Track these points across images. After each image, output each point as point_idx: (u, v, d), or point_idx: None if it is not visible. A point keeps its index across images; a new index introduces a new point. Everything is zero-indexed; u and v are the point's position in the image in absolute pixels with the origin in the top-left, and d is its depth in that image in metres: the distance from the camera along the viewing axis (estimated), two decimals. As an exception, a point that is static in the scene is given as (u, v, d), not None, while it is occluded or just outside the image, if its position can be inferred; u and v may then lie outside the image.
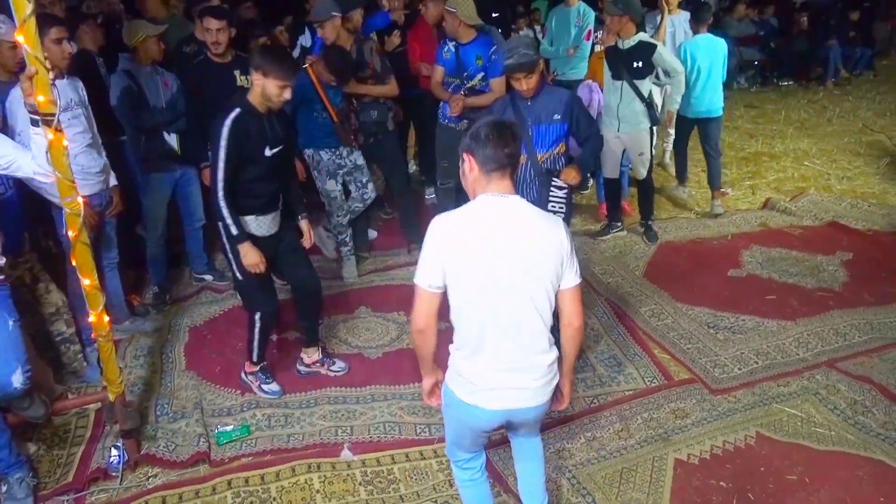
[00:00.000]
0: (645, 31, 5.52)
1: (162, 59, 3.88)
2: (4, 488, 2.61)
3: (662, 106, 5.18)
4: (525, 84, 3.05)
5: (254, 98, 2.86)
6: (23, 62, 2.23)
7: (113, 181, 3.48)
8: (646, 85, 4.44)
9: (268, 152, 2.93)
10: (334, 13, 4.05)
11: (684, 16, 5.67)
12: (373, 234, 5.02)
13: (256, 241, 2.98)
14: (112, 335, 2.70)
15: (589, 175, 5.38)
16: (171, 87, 3.86)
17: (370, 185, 4.36)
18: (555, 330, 2.02)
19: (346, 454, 2.87)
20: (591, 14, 5.69)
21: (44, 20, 2.58)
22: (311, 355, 3.42)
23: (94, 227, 3.18)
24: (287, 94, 2.85)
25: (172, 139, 3.79)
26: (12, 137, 2.76)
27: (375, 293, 4.27)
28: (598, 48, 5.46)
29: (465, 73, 4.30)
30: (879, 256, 4.59)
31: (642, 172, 4.70)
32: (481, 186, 1.95)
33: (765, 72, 10.39)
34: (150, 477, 2.78)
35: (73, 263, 2.48)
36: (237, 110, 2.82)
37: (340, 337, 3.79)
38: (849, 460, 2.79)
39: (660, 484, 2.70)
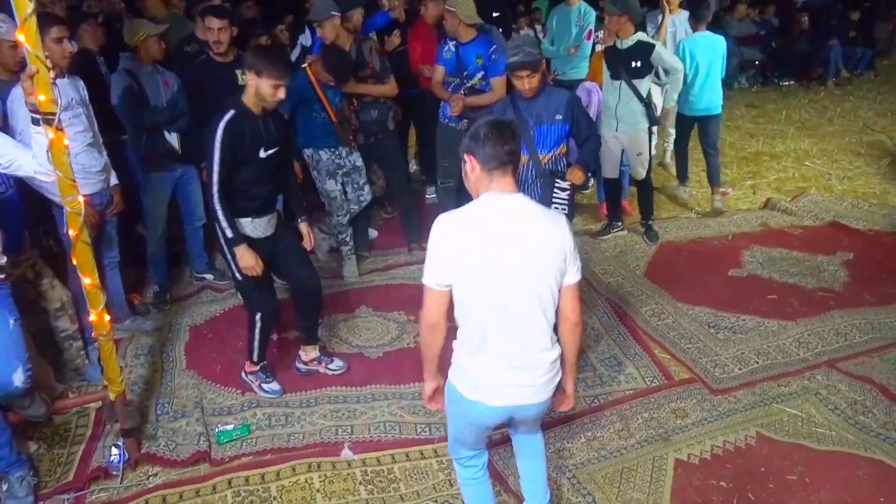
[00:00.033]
0: (646, 31, 5.54)
1: (163, 59, 3.89)
2: (5, 487, 2.61)
3: (663, 106, 5.18)
4: (528, 83, 3.04)
5: (248, 99, 2.86)
6: (23, 61, 2.23)
7: (114, 180, 3.49)
8: (644, 85, 4.44)
9: (262, 154, 2.92)
10: (333, 13, 4.04)
11: (685, 15, 5.67)
12: (373, 233, 5.02)
13: (253, 242, 2.98)
14: (113, 334, 2.70)
15: (590, 175, 5.38)
16: (171, 86, 3.86)
17: (366, 188, 4.35)
18: (554, 327, 2.03)
19: (346, 453, 2.87)
20: (592, 13, 5.69)
21: (44, 19, 2.58)
22: (308, 353, 3.42)
23: (94, 226, 3.18)
24: (281, 94, 2.84)
25: (173, 138, 3.79)
26: (13, 136, 2.76)
27: (376, 292, 4.27)
28: (598, 48, 5.45)
29: (465, 73, 4.30)
30: (880, 256, 4.59)
31: (641, 173, 4.70)
32: (484, 185, 1.95)
33: (766, 71, 10.38)
34: (150, 476, 2.78)
35: (74, 262, 2.48)
36: (231, 112, 2.81)
37: (341, 336, 3.79)
38: (849, 460, 2.79)
39: (660, 484, 2.70)
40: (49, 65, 2.19)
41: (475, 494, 2.30)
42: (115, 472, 2.76)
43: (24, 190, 2.92)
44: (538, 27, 7.43)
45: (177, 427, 3.04)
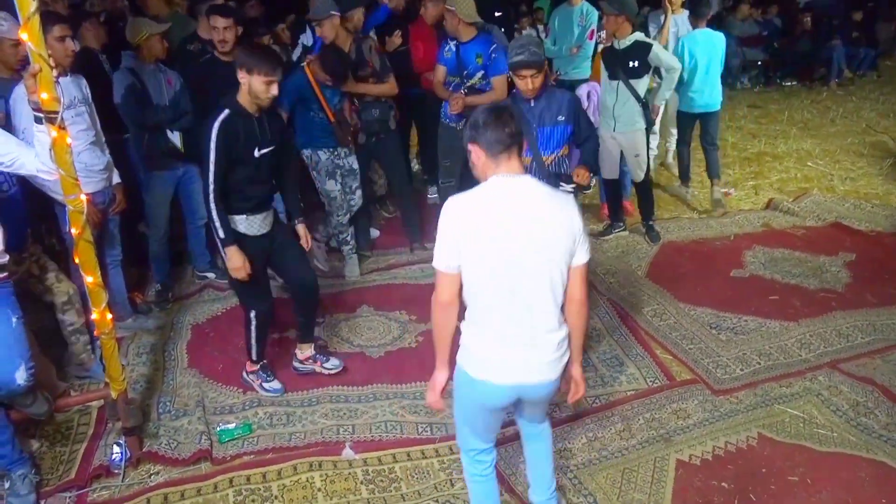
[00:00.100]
0: (648, 31, 5.53)
1: (165, 57, 3.89)
2: (7, 485, 2.61)
3: (665, 107, 5.18)
4: (531, 83, 3.03)
5: (242, 98, 2.86)
6: (25, 59, 2.24)
7: (116, 179, 3.49)
8: (642, 85, 4.44)
9: (257, 153, 2.92)
10: (333, 12, 4.04)
11: (687, 14, 5.66)
12: (375, 232, 5.02)
13: (249, 239, 2.99)
14: (115, 332, 2.70)
15: (592, 175, 5.38)
16: (174, 84, 3.86)
17: (358, 192, 4.34)
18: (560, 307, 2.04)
19: (347, 453, 2.87)
20: (595, 13, 5.68)
21: (47, 18, 2.58)
22: (304, 351, 3.42)
23: (97, 224, 3.19)
24: (274, 90, 2.84)
25: (175, 137, 3.79)
26: (16, 135, 2.77)
27: (377, 292, 4.27)
28: (601, 48, 5.45)
29: (465, 72, 4.31)
30: (882, 257, 4.58)
31: (640, 175, 4.70)
32: (491, 170, 1.96)
33: (768, 72, 10.37)
34: (152, 474, 2.78)
35: (77, 261, 2.49)
36: (226, 112, 2.82)
37: (342, 336, 3.79)
38: (851, 462, 2.79)
39: (661, 484, 2.70)
40: (52, 63, 2.19)
41: (482, 492, 2.29)
42: (116, 471, 2.76)
43: (27, 188, 2.92)
44: (540, 27, 7.43)
45: (178, 426, 3.05)
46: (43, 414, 2.82)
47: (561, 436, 2.95)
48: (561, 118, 3.16)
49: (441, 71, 4.43)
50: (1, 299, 2.51)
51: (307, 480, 2.73)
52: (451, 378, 2.14)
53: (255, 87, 2.80)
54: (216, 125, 2.78)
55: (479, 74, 4.30)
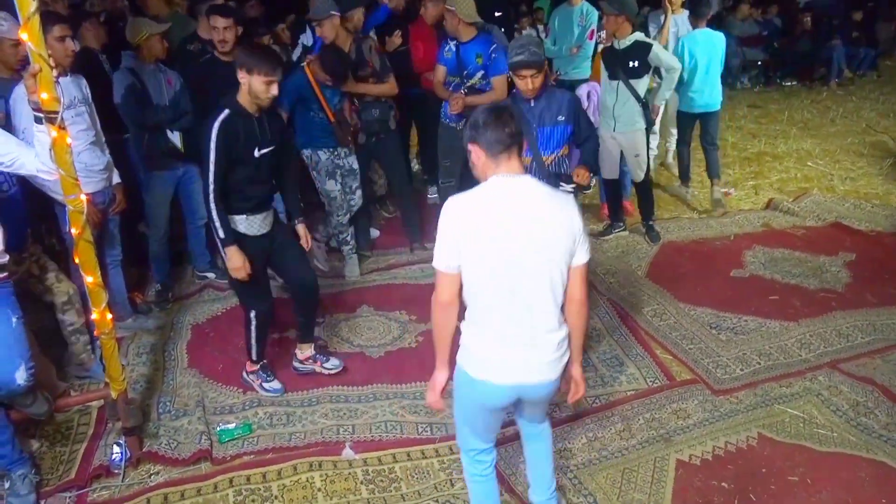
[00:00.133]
0: (648, 31, 5.53)
1: (165, 57, 3.89)
2: (7, 485, 2.61)
3: (665, 107, 5.18)
4: (531, 83, 3.03)
5: (242, 98, 2.86)
6: (25, 59, 2.24)
7: (116, 179, 3.49)
8: (642, 85, 4.44)
9: (257, 153, 2.92)
10: (333, 12, 4.04)
11: (687, 14, 5.66)
12: (375, 232, 5.02)
13: (249, 239, 2.99)
14: (115, 332, 2.70)
15: (592, 175, 5.38)
16: (174, 84, 3.86)
17: (358, 192, 4.34)
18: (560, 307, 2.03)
19: (347, 453, 2.87)
20: (595, 13, 5.68)
21: (47, 18, 2.58)
22: (304, 351, 3.42)
23: (97, 224, 3.19)
24: (274, 90, 2.84)
25: (175, 137, 3.79)
26: (16, 135, 2.77)
27: (377, 292, 4.27)
28: (601, 48, 5.45)
29: (465, 72, 4.31)
30: (882, 257, 4.58)
31: (640, 175, 4.70)
32: (491, 170, 1.96)
33: (768, 72, 10.37)
34: (152, 474, 2.78)
35: (77, 261, 2.49)
36: (226, 112, 2.82)
37: (342, 336, 3.79)
38: (851, 462, 2.79)
39: (661, 484, 2.70)
40: (52, 63, 2.19)
41: (482, 492, 2.29)
42: (116, 471, 2.76)
43: (27, 188, 2.92)
44: (540, 27, 7.43)
45: (178, 426, 3.05)
46: (43, 414, 2.82)
47: (561, 436, 2.95)
48: (561, 118, 3.16)
49: (441, 71, 4.43)
50: (1, 299, 2.51)
51: (307, 480, 2.73)
52: (451, 378, 2.14)
53: (255, 87, 2.80)
54: (216, 125, 2.78)
55: (479, 74, 4.30)
